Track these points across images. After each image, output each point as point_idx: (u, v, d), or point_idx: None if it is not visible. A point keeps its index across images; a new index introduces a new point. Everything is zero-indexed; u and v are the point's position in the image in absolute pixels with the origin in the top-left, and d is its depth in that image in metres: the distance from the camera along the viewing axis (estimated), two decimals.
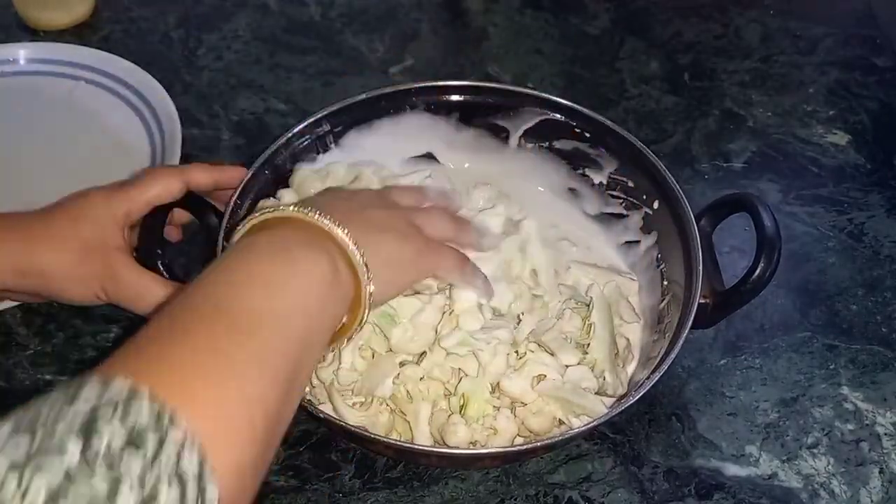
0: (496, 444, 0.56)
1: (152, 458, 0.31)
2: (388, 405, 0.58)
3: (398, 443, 0.56)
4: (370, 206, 0.56)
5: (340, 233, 0.48)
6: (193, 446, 0.33)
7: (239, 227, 0.50)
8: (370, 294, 0.49)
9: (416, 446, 0.56)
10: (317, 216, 0.48)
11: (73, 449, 0.30)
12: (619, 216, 0.71)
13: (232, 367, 0.38)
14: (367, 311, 0.50)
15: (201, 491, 0.32)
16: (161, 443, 0.32)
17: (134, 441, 0.31)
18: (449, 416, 0.57)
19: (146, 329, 0.40)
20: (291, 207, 0.49)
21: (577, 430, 0.54)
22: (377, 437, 0.55)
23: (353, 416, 0.57)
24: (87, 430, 0.31)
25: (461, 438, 0.55)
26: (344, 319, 0.50)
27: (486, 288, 0.59)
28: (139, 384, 0.33)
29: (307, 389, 0.59)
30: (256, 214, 0.50)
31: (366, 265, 0.49)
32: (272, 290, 0.43)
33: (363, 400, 0.58)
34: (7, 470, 0.29)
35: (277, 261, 0.45)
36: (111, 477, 0.30)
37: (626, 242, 0.70)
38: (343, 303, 0.48)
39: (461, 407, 0.57)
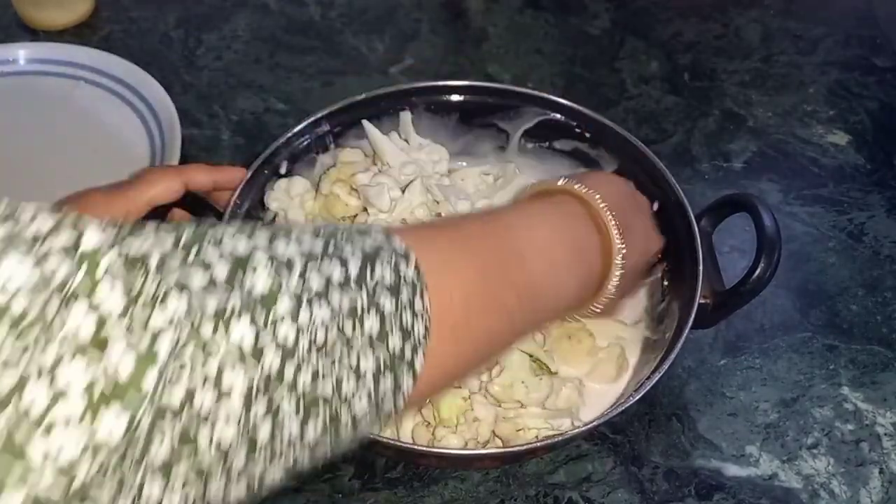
0: (483, 432, 0.57)
1: (401, 308, 0.36)
2: None
3: (398, 443, 0.56)
4: (626, 205, 0.57)
5: (601, 204, 0.53)
6: (426, 316, 0.37)
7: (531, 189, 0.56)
8: (621, 259, 0.53)
9: (416, 447, 0.56)
10: (583, 190, 0.53)
11: (353, 266, 0.35)
12: None
13: (482, 273, 0.43)
14: (601, 298, 0.53)
15: (415, 353, 0.36)
16: (410, 301, 0.36)
17: (395, 288, 0.36)
18: (433, 429, 0.56)
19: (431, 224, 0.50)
20: (565, 182, 0.54)
21: (577, 431, 0.54)
22: (377, 437, 0.55)
23: None
24: (370, 259, 0.36)
25: (454, 446, 0.55)
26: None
27: None
28: (411, 249, 0.38)
29: None
30: (539, 183, 0.57)
31: (616, 228, 0.53)
32: (544, 241, 0.49)
33: None
34: (301, 257, 0.33)
35: (554, 224, 0.51)
36: (366, 303, 0.34)
37: None
38: (597, 258, 0.52)
39: (435, 415, 0.57)
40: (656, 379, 0.55)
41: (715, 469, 0.61)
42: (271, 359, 0.30)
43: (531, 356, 0.59)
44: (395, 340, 0.35)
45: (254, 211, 0.65)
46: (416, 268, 0.37)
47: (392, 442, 0.56)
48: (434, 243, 0.42)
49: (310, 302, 0.32)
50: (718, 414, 0.64)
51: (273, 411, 0.30)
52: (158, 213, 0.61)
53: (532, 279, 0.46)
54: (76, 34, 0.91)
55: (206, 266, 0.30)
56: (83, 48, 0.86)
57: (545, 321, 0.54)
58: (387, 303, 0.35)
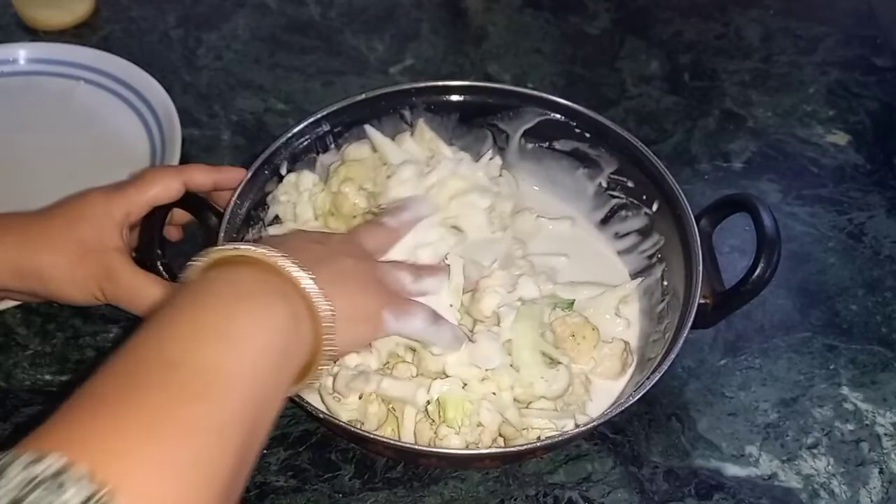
0: (485, 439, 0.57)
1: None
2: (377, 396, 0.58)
3: (398, 443, 0.56)
4: (338, 252, 0.53)
5: (307, 281, 0.45)
6: None
7: (195, 260, 0.46)
8: (329, 349, 0.46)
9: (416, 446, 0.56)
10: (281, 260, 0.45)
11: None
12: (620, 217, 0.71)
13: (185, 435, 0.35)
14: (321, 366, 0.46)
15: None
16: None
17: None
18: (436, 428, 0.57)
19: (90, 385, 0.36)
20: (255, 248, 0.45)
21: (577, 430, 0.54)
22: (377, 437, 0.55)
23: (345, 412, 0.57)
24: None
25: (455, 447, 0.55)
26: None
27: (453, 343, 0.57)
28: (75, 460, 0.30)
29: None
30: (216, 249, 0.46)
31: (330, 319, 0.45)
32: (229, 344, 0.40)
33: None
34: None
35: (236, 311, 0.41)
36: None
37: (627, 243, 0.70)
38: (303, 355, 0.45)
39: (440, 413, 0.57)
40: (656, 379, 0.55)
41: (715, 469, 0.61)
42: None
43: (542, 352, 0.59)
44: None
45: (254, 211, 0.66)
46: (86, 480, 0.30)
47: (392, 442, 0.56)
48: (106, 422, 0.34)
49: None
50: (718, 414, 0.64)
51: None
52: (159, 213, 0.61)
53: (228, 382, 0.38)
54: (76, 34, 0.91)
55: None
56: (83, 48, 0.86)
57: (277, 402, 0.43)
58: None
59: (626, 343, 0.63)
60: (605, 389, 0.62)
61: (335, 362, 0.57)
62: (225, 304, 0.42)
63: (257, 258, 0.45)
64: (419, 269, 0.58)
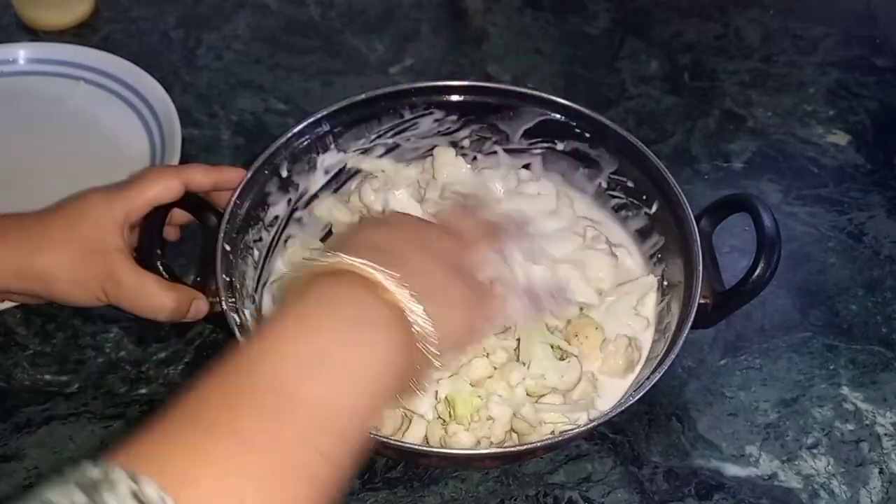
0: (497, 432, 0.56)
1: None
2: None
3: (398, 443, 0.56)
4: (433, 259, 0.48)
5: (417, 314, 0.42)
6: None
7: (290, 273, 0.46)
8: (422, 382, 0.45)
9: (416, 446, 0.56)
10: (394, 286, 0.42)
11: None
12: (620, 217, 0.71)
13: (278, 473, 0.34)
14: (421, 383, 0.45)
15: None
16: None
17: None
18: (446, 426, 0.57)
19: (192, 401, 0.35)
20: (363, 265, 0.42)
21: (577, 430, 0.54)
22: (377, 436, 0.55)
23: None
24: None
25: (465, 443, 0.55)
26: None
27: (561, 304, 0.59)
28: (171, 487, 0.30)
29: None
30: (321, 261, 0.44)
31: (436, 355, 0.43)
32: (339, 375, 0.38)
33: None
34: None
35: (346, 340, 0.40)
36: None
37: (627, 244, 0.70)
38: (407, 378, 0.44)
39: (450, 412, 0.57)
40: (656, 379, 0.55)
41: (715, 469, 0.61)
42: None
43: (552, 345, 0.59)
44: None
45: (253, 211, 0.66)
46: None
47: (392, 442, 0.56)
48: (201, 451, 0.33)
49: None
50: (718, 414, 0.64)
51: None
52: (159, 213, 0.61)
53: (329, 415, 0.37)
54: (76, 34, 0.91)
55: None
56: (83, 48, 0.86)
57: (358, 435, 0.40)
58: None
59: (631, 339, 0.63)
60: (612, 388, 0.62)
61: None
62: (339, 331, 0.40)
63: (363, 274, 0.42)
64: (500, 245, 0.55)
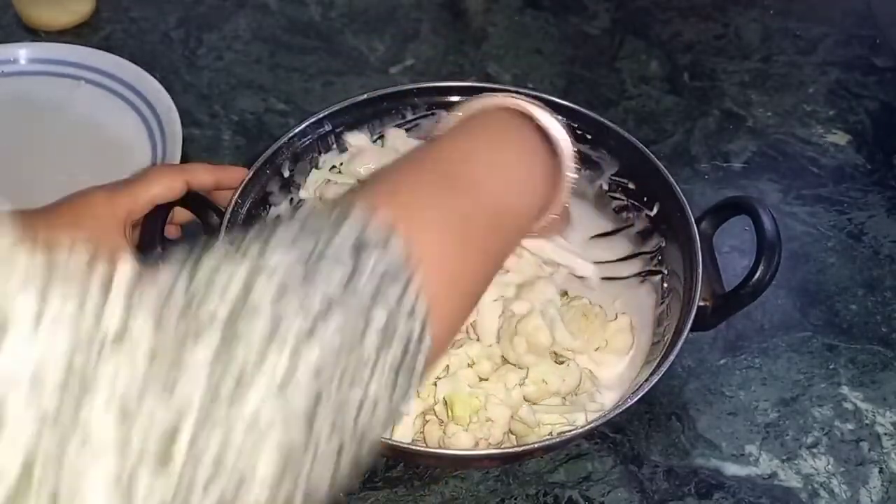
0: (496, 433, 0.57)
1: (395, 306, 0.35)
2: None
3: (398, 443, 0.56)
4: None
5: (558, 127, 0.53)
6: (423, 298, 0.36)
7: (457, 109, 0.54)
8: (567, 186, 0.54)
9: (416, 447, 0.56)
10: (539, 112, 0.53)
11: (336, 283, 0.34)
12: (621, 219, 0.71)
13: (464, 231, 0.43)
14: (562, 201, 0.54)
15: (421, 340, 0.36)
16: (402, 293, 0.36)
17: (382, 288, 0.35)
18: (445, 426, 0.57)
19: (382, 178, 0.46)
20: (517, 98, 0.53)
21: (577, 430, 0.54)
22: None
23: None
24: (355, 267, 0.35)
25: (464, 444, 0.55)
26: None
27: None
28: (395, 229, 0.37)
29: None
30: (492, 96, 0.54)
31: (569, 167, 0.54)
32: (509, 175, 0.49)
33: None
34: (289, 265, 0.33)
35: (504, 146, 0.51)
36: (375, 292, 0.34)
37: (627, 244, 0.70)
38: (545, 195, 0.53)
39: (448, 412, 0.57)
40: (656, 379, 0.55)
41: (714, 468, 0.61)
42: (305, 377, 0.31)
43: (549, 350, 0.60)
44: (403, 329, 0.35)
45: (255, 210, 0.66)
46: (403, 252, 0.37)
47: (392, 442, 0.56)
48: (416, 201, 0.43)
49: (321, 317, 0.32)
50: (718, 413, 0.64)
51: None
52: (161, 212, 0.61)
53: (497, 204, 0.47)
54: (76, 34, 0.91)
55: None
56: (83, 48, 0.86)
57: (516, 238, 0.54)
58: (390, 290, 0.35)
59: (630, 318, 0.63)
60: (612, 379, 0.63)
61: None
62: (508, 143, 0.52)
63: (502, 104, 0.53)
64: None
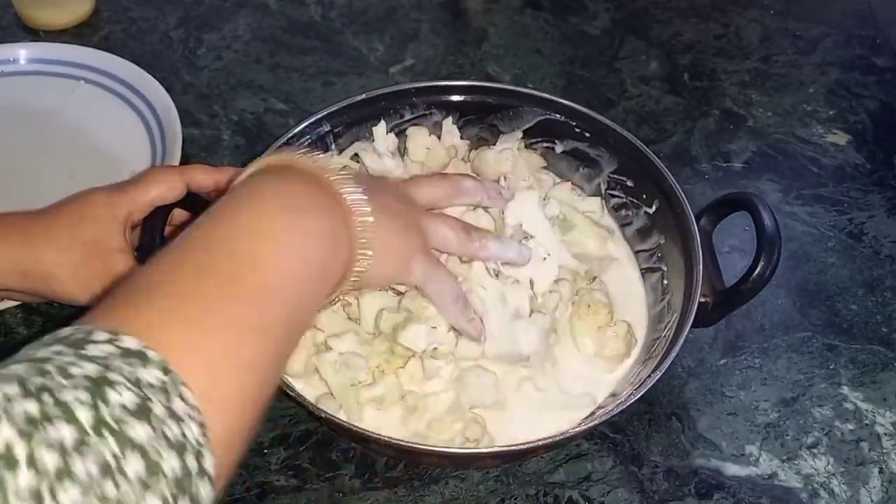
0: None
1: (159, 425, 0.31)
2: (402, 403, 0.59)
3: (399, 442, 0.56)
4: (386, 191, 0.54)
5: (354, 195, 0.47)
6: (195, 413, 0.33)
7: (249, 167, 0.49)
8: (359, 271, 0.48)
9: (416, 446, 0.56)
10: (330, 172, 0.47)
11: (84, 415, 0.29)
12: (620, 217, 0.71)
13: (235, 332, 0.38)
14: (345, 287, 0.49)
15: (199, 458, 0.32)
16: (168, 409, 0.31)
17: (143, 407, 0.31)
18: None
19: (147, 272, 0.39)
20: (307, 157, 0.48)
21: (577, 430, 0.54)
22: (378, 436, 0.55)
23: (368, 417, 0.58)
24: (98, 392, 0.30)
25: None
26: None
27: (473, 335, 0.58)
28: (148, 343, 0.33)
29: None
30: (268, 157, 0.49)
31: (369, 237, 0.48)
32: (279, 249, 0.42)
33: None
34: (18, 436, 0.28)
35: (286, 217, 0.44)
36: (116, 447, 0.29)
37: (628, 243, 0.71)
38: (339, 271, 0.47)
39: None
40: (656, 378, 0.55)
41: (715, 468, 0.61)
42: None
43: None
44: (170, 463, 0.31)
45: None
46: (161, 362, 0.33)
47: (393, 441, 0.56)
48: (173, 311, 0.37)
49: (53, 493, 0.27)
50: (718, 413, 0.64)
51: None
52: (160, 213, 0.61)
53: (279, 285, 0.41)
54: (76, 34, 0.91)
55: None
56: (83, 48, 0.86)
57: (305, 314, 0.46)
58: (140, 431, 0.30)
59: (630, 325, 0.63)
60: (608, 378, 0.63)
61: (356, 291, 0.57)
62: (276, 210, 0.44)
63: (306, 167, 0.48)
64: (473, 229, 0.58)
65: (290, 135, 0.68)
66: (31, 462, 0.27)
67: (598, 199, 0.71)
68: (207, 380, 0.35)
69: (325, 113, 0.69)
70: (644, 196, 0.68)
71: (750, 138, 0.84)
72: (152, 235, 0.61)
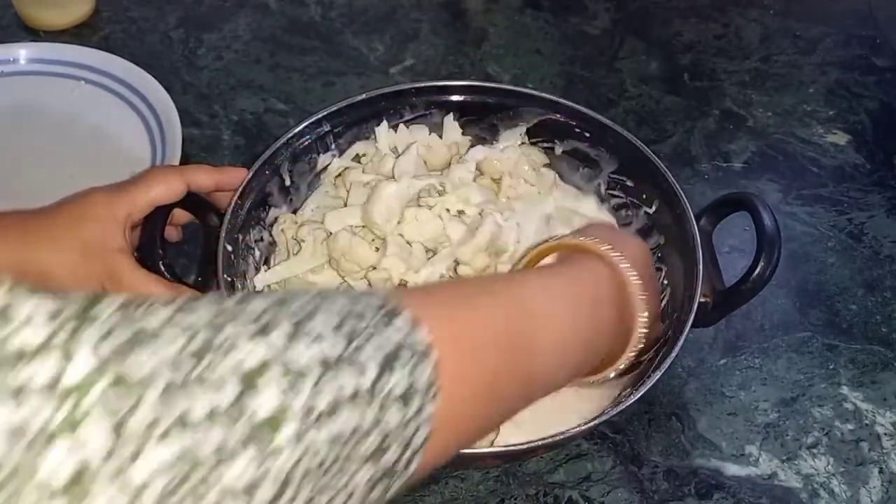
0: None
1: (409, 419, 0.33)
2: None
3: None
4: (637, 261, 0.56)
5: (637, 296, 0.52)
6: (424, 429, 0.34)
7: (543, 245, 0.56)
8: (637, 349, 0.53)
9: None
10: (622, 269, 0.52)
11: (368, 375, 0.32)
12: (620, 217, 0.71)
13: (502, 384, 0.41)
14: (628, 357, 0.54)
15: (406, 468, 0.34)
16: (419, 409, 0.34)
17: (406, 396, 0.33)
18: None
19: (450, 287, 0.46)
20: (601, 246, 0.53)
21: (577, 430, 0.54)
22: None
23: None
24: (388, 364, 0.33)
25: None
26: None
27: None
28: (433, 346, 0.35)
29: None
30: (567, 239, 0.55)
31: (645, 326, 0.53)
32: (567, 339, 0.47)
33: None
34: (317, 363, 0.30)
35: (581, 313, 0.49)
36: (370, 421, 0.32)
37: None
38: (613, 348, 0.53)
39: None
40: (656, 378, 0.55)
41: (714, 468, 0.61)
42: (266, 492, 0.28)
43: None
44: (392, 454, 0.33)
45: (254, 211, 0.66)
46: (435, 367, 0.35)
47: None
48: (463, 326, 0.40)
49: (316, 422, 0.30)
50: (718, 413, 0.64)
51: None
52: (161, 213, 0.61)
53: (549, 347, 0.45)
54: (76, 34, 0.91)
55: (212, 388, 0.27)
56: (83, 48, 0.86)
57: (557, 385, 0.49)
58: (393, 417, 0.33)
59: None
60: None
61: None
62: (576, 306, 0.49)
63: (588, 247, 0.53)
64: None
65: (290, 135, 0.67)
66: (314, 390, 0.30)
67: (594, 198, 0.72)
68: (467, 385, 0.38)
69: (326, 113, 0.69)
70: (644, 196, 0.68)
71: (750, 138, 0.84)
72: (152, 235, 0.61)
